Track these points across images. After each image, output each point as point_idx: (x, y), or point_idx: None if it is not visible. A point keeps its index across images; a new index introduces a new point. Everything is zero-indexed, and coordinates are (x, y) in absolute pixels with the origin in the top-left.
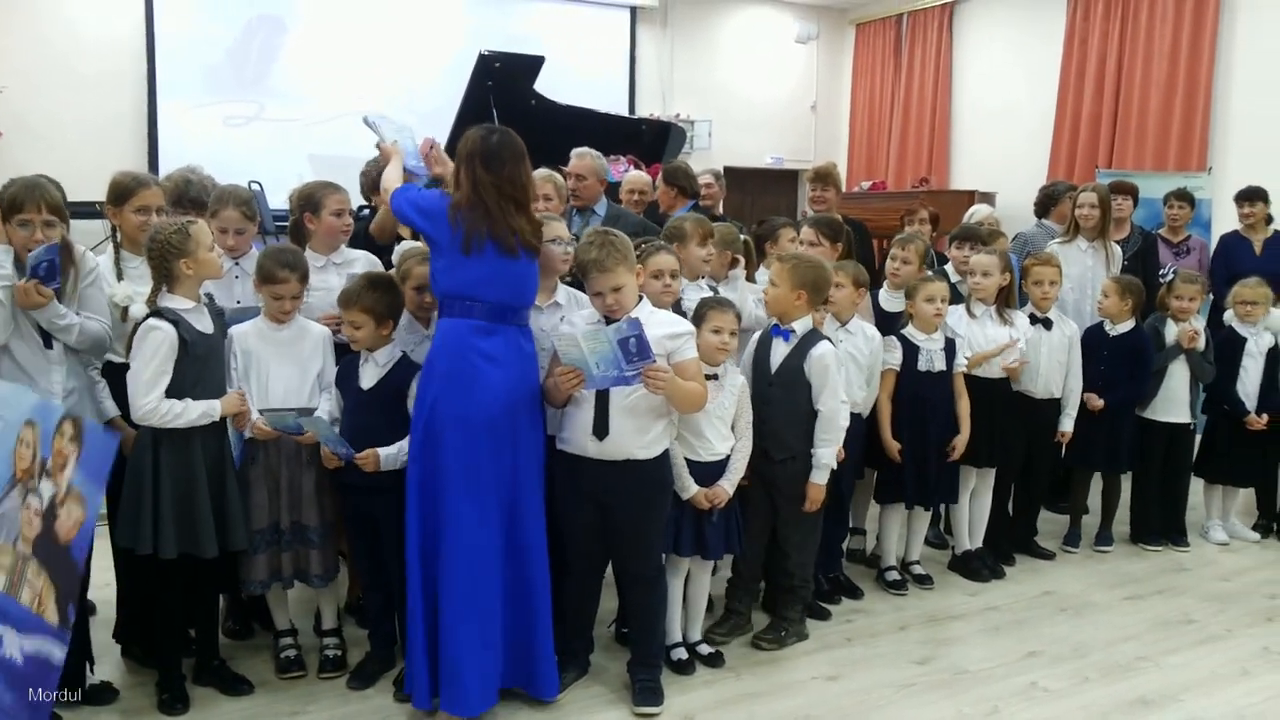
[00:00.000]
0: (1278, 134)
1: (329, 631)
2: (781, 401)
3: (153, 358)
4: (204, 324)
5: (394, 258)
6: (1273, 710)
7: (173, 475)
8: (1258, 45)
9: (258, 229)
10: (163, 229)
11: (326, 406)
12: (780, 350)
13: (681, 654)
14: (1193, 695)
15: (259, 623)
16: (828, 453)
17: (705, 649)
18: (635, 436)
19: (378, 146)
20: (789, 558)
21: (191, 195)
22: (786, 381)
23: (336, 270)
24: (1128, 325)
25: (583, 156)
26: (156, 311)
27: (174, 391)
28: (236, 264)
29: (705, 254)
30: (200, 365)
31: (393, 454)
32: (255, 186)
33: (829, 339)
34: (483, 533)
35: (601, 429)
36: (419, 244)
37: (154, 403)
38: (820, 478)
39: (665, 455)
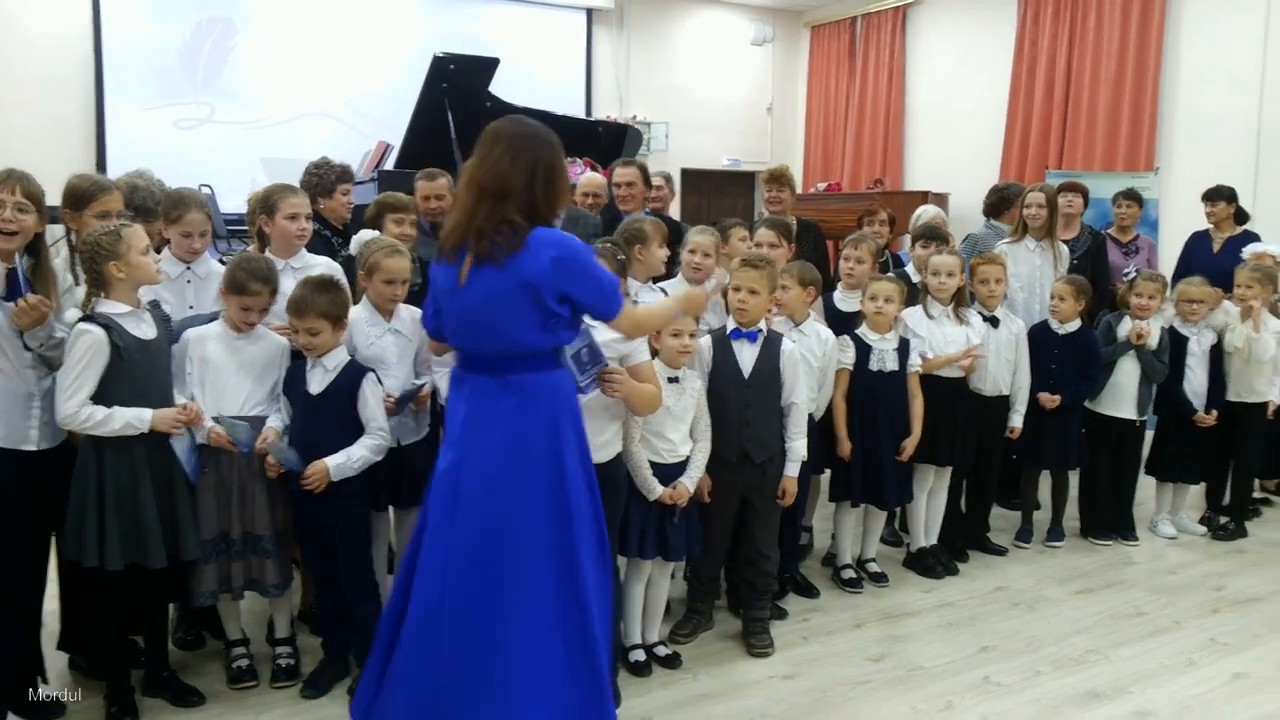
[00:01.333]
0: (1223, 134)
1: (282, 640)
2: (761, 403)
3: (78, 362)
4: (143, 330)
5: (353, 248)
6: (1218, 699)
7: (117, 485)
8: (1203, 47)
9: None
10: (94, 231)
11: (280, 417)
12: (749, 352)
13: (639, 655)
14: (1141, 686)
15: (210, 632)
16: (802, 444)
17: (663, 650)
18: (590, 439)
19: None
20: (768, 558)
21: (138, 201)
22: (764, 383)
23: (294, 275)
24: (1075, 325)
25: (427, 177)
26: (89, 315)
27: (106, 398)
28: (189, 268)
29: (665, 255)
30: (136, 372)
31: (341, 463)
32: (206, 190)
33: (785, 335)
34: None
35: None
36: (380, 234)
37: (75, 407)
38: (795, 470)
39: (619, 458)
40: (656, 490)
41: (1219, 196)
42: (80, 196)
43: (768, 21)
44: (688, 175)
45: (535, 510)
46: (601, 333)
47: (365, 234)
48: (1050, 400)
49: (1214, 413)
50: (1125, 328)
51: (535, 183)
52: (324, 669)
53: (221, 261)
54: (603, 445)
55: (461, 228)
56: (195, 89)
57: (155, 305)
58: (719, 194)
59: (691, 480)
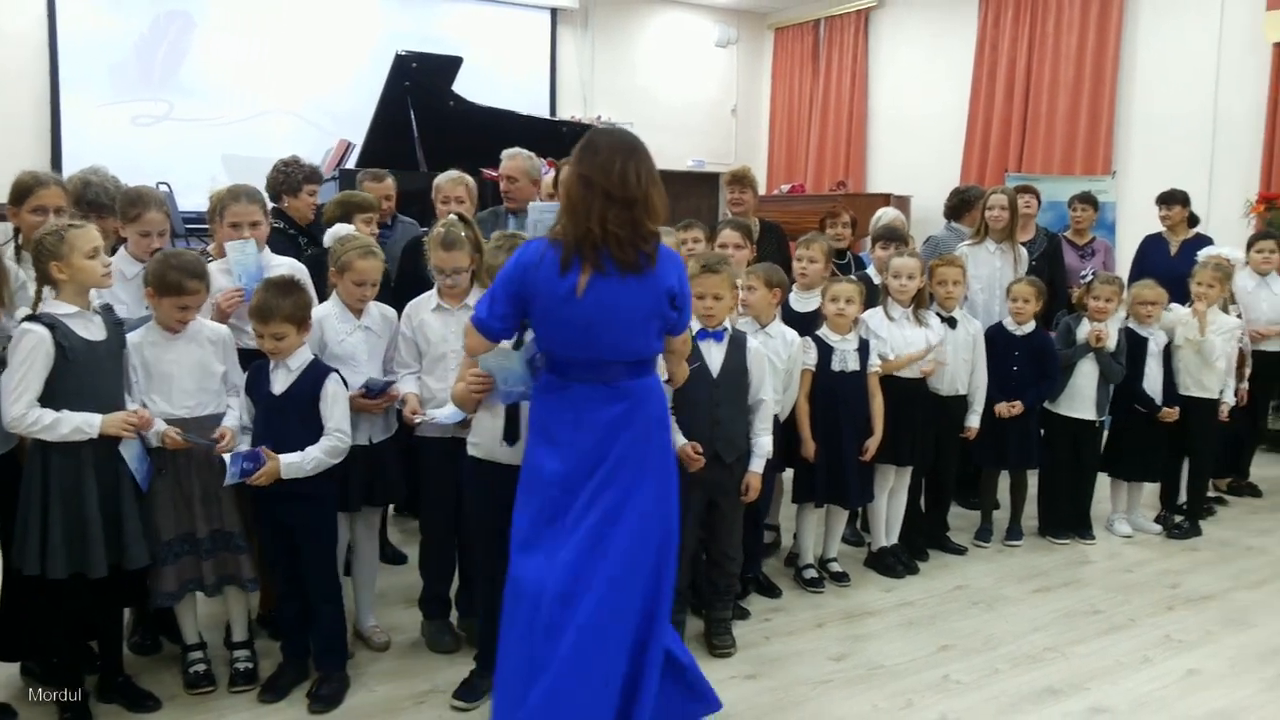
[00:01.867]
0: (1179, 138)
1: (240, 644)
2: (731, 402)
3: (21, 363)
4: (91, 332)
5: (327, 241)
6: (1173, 695)
7: (62, 490)
8: (1159, 52)
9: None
10: (40, 231)
11: (235, 414)
12: (717, 352)
13: None
14: (1098, 683)
15: (167, 637)
16: (768, 440)
17: None
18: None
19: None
20: (733, 560)
21: (90, 197)
22: (733, 382)
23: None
24: (1031, 326)
25: (514, 157)
26: (34, 315)
27: (52, 400)
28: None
29: None
30: (83, 375)
31: (294, 462)
32: (164, 188)
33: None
34: None
35: (512, 434)
36: (353, 230)
37: (22, 410)
38: (760, 466)
39: None
40: None
41: (1174, 200)
42: (20, 192)
43: (732, 23)
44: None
45: (656, 505)
46: None
47: (340, 229)
48: (1011, 409)
49: (1176, 408)
50: (1084, 330)
51: (655, 192)
52: (283, 673)
53: None
54: None
55: (593, 236)
56: (153, 85)
57: (109, 309)
58: (683, 195)
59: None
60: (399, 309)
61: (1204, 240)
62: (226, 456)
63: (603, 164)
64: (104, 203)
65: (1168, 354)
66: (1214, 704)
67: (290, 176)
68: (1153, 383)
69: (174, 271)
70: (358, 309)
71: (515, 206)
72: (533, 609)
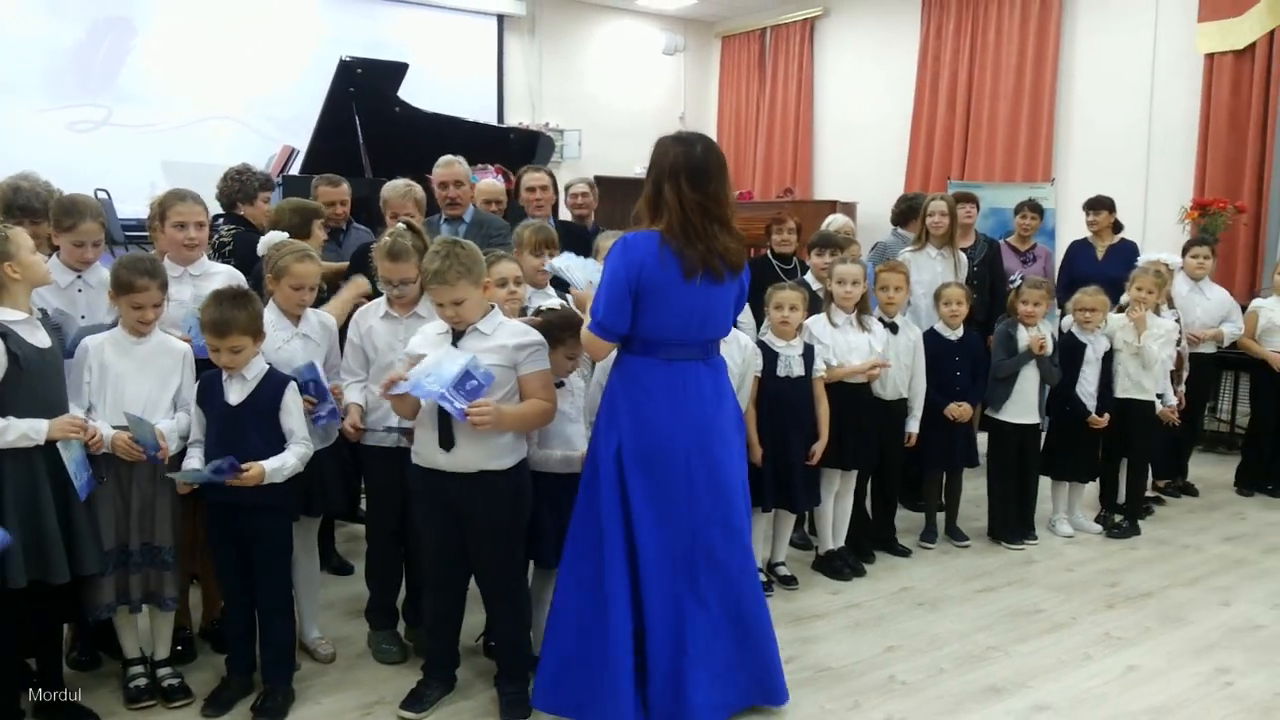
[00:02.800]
0: (1115, 147)
1: (162, 662)
2: None
3: None
4: (38, 338)
5: (260, 248)
6: (1112, 691)
7: (17, 498)
8: (1096, 62)
9: (108, 240)
10: None
11: (177, 425)
12: None
13: None
14: (1040, 681)
15: (106, 652)
16: None
17: None
18: (484, 448)
19: (572, 292)
20: None
21: (20, 203)
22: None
23: (193, 283)
24: (962, 330)
25: (451, 164)
26: None
27: (3, 408)
28: (80, 276)
29: (539, 264)
30: (35, 383)
31: (277, 467)
32: (103, 195)
33: None
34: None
35: (447, 441)
36: (284, 235)
37: None
38: None
39: (522, 465)
40: (577, 461)
41: (1101, 206)
42: None
43: (679, 31)
44: (601, 183)
45: (741, 454)
46: (502, 338)
47: (273, 236)
48: (960, 411)
49: (1106, 415)
50: (1023, 337)
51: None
52: (226, 686)
53: None
54: (502, 452)
55: (709, 253)
56: (91, 90)
57: (45, 314)
58: (632, 202)
59: None
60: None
61: (1129, 245)
62: (197, 464)
63: (705, 185)
64: (35, 207)
65: (1107, 361)
66: (1152, 699)
67: (246, 184)
68: (1087, 387)
69: (124, 270)
70: (295, 315)
71: (456, 213)
72: (673, 574)
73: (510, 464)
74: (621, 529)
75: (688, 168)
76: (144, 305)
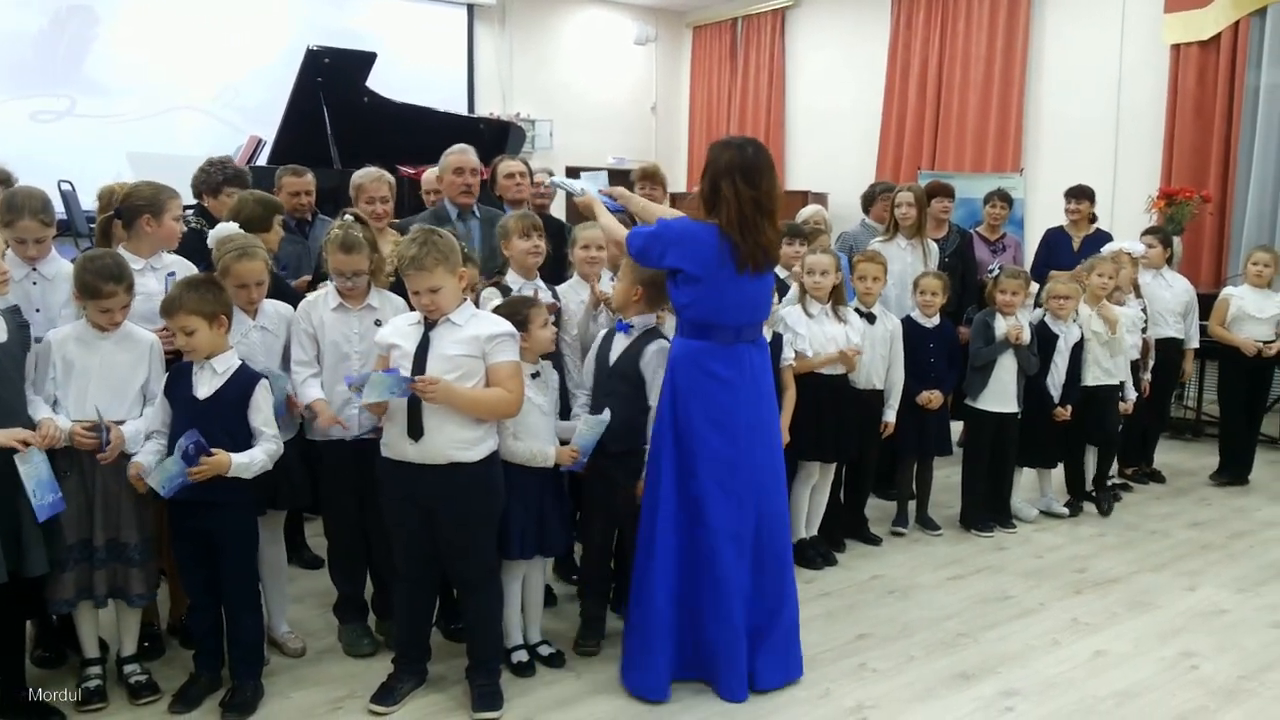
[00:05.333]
0: (1084, 137)
1: (129, 659)
2: (619, 395)
3: None
4: None
5: (210, 242)
6: (1080, 676)
7: None
8: (1065, 54)
9: (71, 231)
10: None
11: (143, 423)
12: (620, 344)
13: (522, 656)
14: (1009, 667)
15: (71, 649)
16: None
17: (546, 649)
18: (454, 438)
19: (575, 201)
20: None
21: None
22: (623, 374)
23: (155, 275)
24: (937, 319)
25: (466, 152)
26: None
27: None
28: (35, 269)
29: (529, 246)
30: None
31: (244, 463)
32: (66, 186)
33: (666, 338)
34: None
35: (416, 430)
36: (235, 230)
37: None
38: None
39: (493, 458)
40: (552, 455)
41: (1084, 195)
42: None
43: (650, 21)
44: (572, 173)
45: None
46: (472, 329)
47: (222, 229)
48: (934, 399)
49: (1069, 407)
50: (1000, 326)
51: None
52: (194, 682)
53: None
54: (472, 442)
55: (759, 249)
56: (54, 80)
57: (16, 310)
58: None
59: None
60: None
61: (1104, 235)
62: (153, 456)
63: (758, 182)
64: None
65: (1076, 351)
66: (1118, 684)
67: (211, 177)
68: (1056, 378)
69: (89, 275)
70: (249, 310)
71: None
72: (739, 541)
73: (479, 455)
74: (676, 503)
75: (743, 166)
76: (112, 309)
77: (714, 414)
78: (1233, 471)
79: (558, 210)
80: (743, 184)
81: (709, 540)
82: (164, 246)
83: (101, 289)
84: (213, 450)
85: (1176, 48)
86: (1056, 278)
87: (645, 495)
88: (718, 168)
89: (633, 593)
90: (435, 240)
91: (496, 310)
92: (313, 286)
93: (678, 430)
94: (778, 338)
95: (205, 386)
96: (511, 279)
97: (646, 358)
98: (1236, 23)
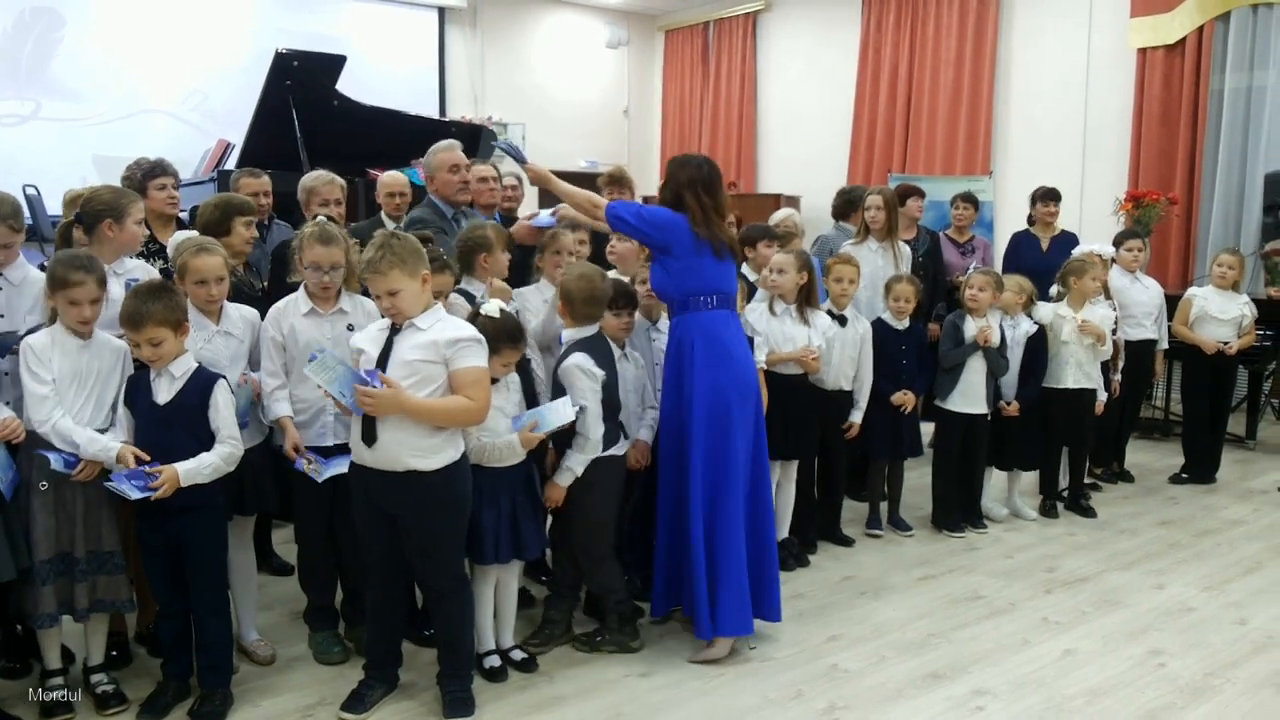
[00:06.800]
0: (1052, 140)
1: (96, 668)
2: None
3: None
4: None
5: (169, 251)
6: (1050, 675)
7: None
8: (1033, 58)
9: (37, 237)
10: None
11: (116, 434)
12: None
13: (494, 661)
14: (979, 666)
15: (37, 659)
16: (576, 459)
17: (519, 655)
18: (409, 445)
19: (525, 169)
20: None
21: None
22: (557, 384)
23: (117, 281)
24: (909, 321)
25: (454, 147)
26: None
27: None
28: (1, 274)
29: (509, 260)
30: None
31: (192, 469)
32: (31, 191)
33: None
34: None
35: (369, 435)
36: (193, 234)
37: None
38: (563, 480)
39: (455, 468)
40: (519, 444)
41: (1057, 198)
42: None
43: (622, 24)
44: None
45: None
46: (431, 333)
47: (179, 235)
48: (907, 400)
49: (1014, 404)
50: (970, 328)
51: None
52: (163, 692)
53: (43, 267)
54: (428, 450)
55: (726, 241)
56: (18, 83)
57: None
58: None
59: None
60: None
61: (1070, 236)
62: (111, 483)
63: (722, 200)
64: None
65: (1035, 347)
66: (1088, 682)
67: (134, 178)
68: (1008, 377)
69: (61, 266)
70: (211, 312)
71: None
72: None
73: (438, 464)
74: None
75: (702, 180)
76: (80, 301)
77: (736, 380)
78: (1196, 471)
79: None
80: (704, 194)
81: (735, 494)
82: (126, 251)
83: (69, 278)
84: (156, 471)
85: (1143, 51)
86: (1006, 278)
87: (670, 465)
88: (679, 181)
89: (695, 554)
90: (392, 243)
91: (485, 320)
92: (268, 292)
93: (708, 397)
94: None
95: (165, 392)
96: (475, 287)
97: (561, 372)
98: (1201, 27)
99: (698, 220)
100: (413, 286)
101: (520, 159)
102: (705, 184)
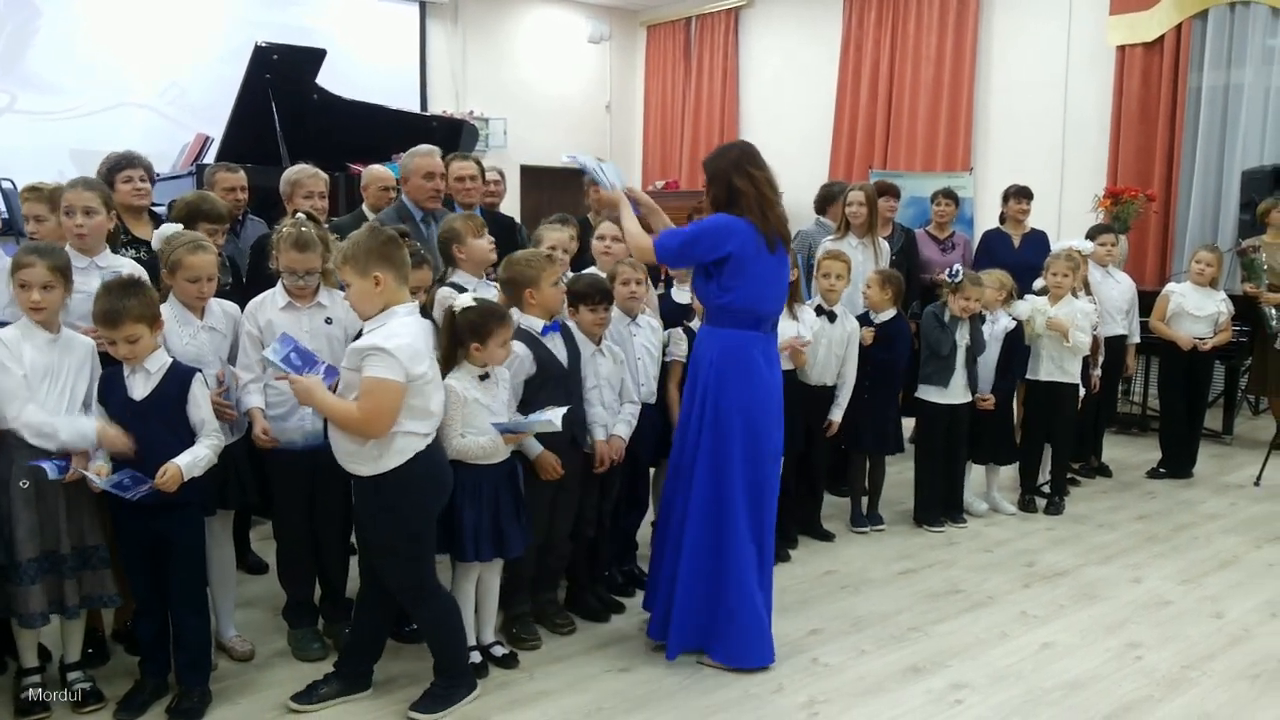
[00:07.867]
0: (1032, 137)
1: (72, 665)
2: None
3: None
4: None
5: (155, 242)
6: (1028, 668)
7: None
8: (1013, 56)
9: (12, 231)
10: None
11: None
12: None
13: (475, 657)
14: (958, 660)
15: (11, 657)
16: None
17: (499, 650)
18: (340, 449)
19: (595, 188)
20: (566, 545)
21: None
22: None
23: (100, 274)
24: (890, 313)
25: (434, 154)
26: None
27: None
28: None
29: (488, 245)
30: None
31: (190, 462)
32: (7, 184)
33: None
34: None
35: (325, 431)
36: (178, 228)
37: None
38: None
39: (389, 477)
40: (503, 446)
41: (1029, 196)
42: None
43: (604, 19)
44: (527, 171)
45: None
46: (363, 339)
47: (167, 228)
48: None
49: (990, 397)
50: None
51: None
52: (140, 689)
53: None
54: (353, 455)
55: (778, 226)
56: None
57: None
58: (558, 190)
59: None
60: None
61: (1040, 234)
62: (104, 483)
63: (769, 173)
64: None
65: (1009, 341)
66: (1066, 675)
67: (98, 173)
68: (986, 371)
69: (20, 251)
70: (197, 308)
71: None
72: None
73: (370, 471)
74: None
75: (746, 157)
76: (30, 284)
77: (763, 401)
78: (1174, 465)
79: (523, 202)
80: (753, 169)
81: (766, 521)
82: (72, 244)
83: (21, 260)
84: (160, 471)
85: (1121, 49)
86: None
87: (702, 490)
88: (722, 167)
89: (727, 583)
90: (339, 243)
91: (465, 312)
92: (238, 288)
93: (745, 420)
94: None
95: (141, 388)
96: (463, 278)
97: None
98: (1179, 25)
99: (751, 205)
100: (362, 285)
101: (600, 183)
102: (750, 159)
